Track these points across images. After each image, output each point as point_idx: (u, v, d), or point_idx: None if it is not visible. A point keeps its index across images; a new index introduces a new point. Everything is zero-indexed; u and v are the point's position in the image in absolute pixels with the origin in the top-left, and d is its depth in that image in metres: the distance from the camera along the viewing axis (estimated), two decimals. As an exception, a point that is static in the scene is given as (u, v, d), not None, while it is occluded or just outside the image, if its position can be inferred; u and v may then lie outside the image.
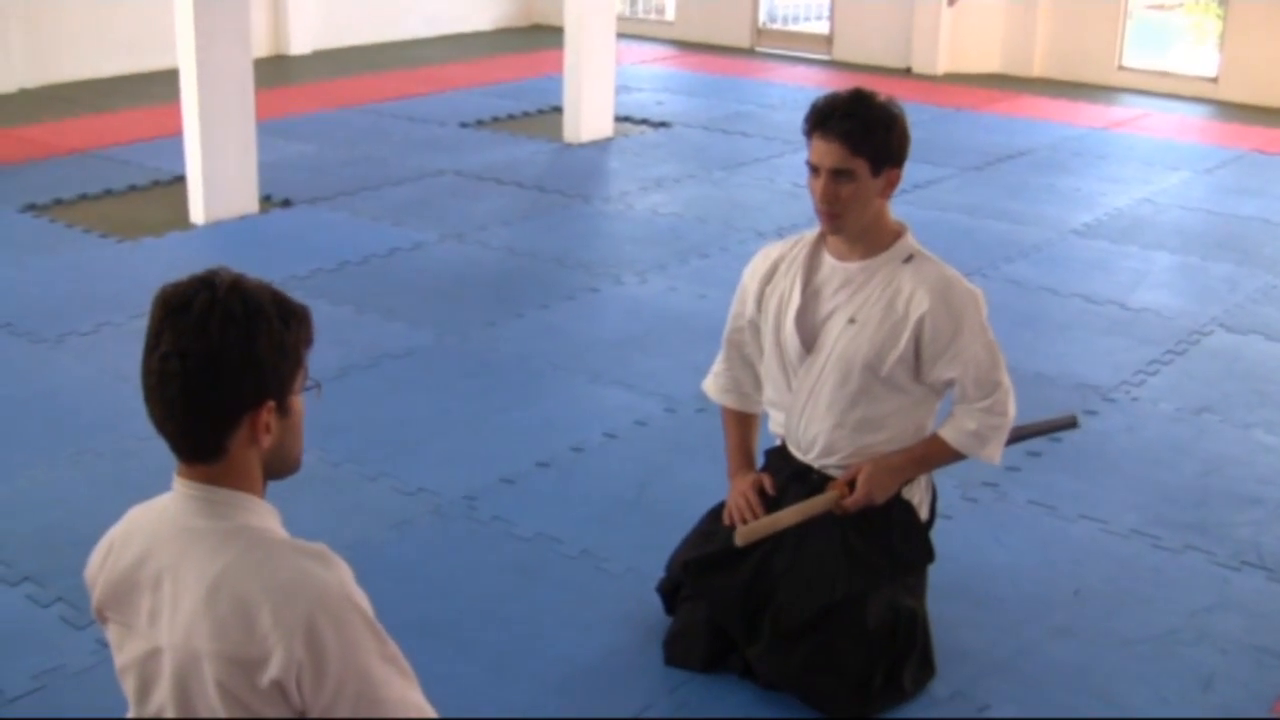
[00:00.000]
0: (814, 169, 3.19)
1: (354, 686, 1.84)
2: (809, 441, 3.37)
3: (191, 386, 1.86)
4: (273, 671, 1.80)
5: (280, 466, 2.02)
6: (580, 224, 7.75)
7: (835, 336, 3.25)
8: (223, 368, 1.86)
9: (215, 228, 7.39)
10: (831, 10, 13.20)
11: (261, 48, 11.59)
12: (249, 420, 1.90)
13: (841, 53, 13.04)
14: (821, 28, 13.48)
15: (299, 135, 9.47)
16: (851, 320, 3.22)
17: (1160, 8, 13.86)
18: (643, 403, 5.15)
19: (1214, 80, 11.76)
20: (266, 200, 7.85)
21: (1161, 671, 3.54)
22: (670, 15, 14.64)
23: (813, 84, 12.00)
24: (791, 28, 14.08)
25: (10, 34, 10.94)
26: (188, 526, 1.93)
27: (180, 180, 7.74)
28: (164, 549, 1.93)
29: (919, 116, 10.56)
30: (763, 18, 13.92)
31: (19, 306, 6.10)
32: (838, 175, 3.14)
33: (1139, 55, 12.32)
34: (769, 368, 3.42)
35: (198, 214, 7.50)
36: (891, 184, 3.21)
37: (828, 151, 3.14)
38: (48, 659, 3.50)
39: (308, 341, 1.98)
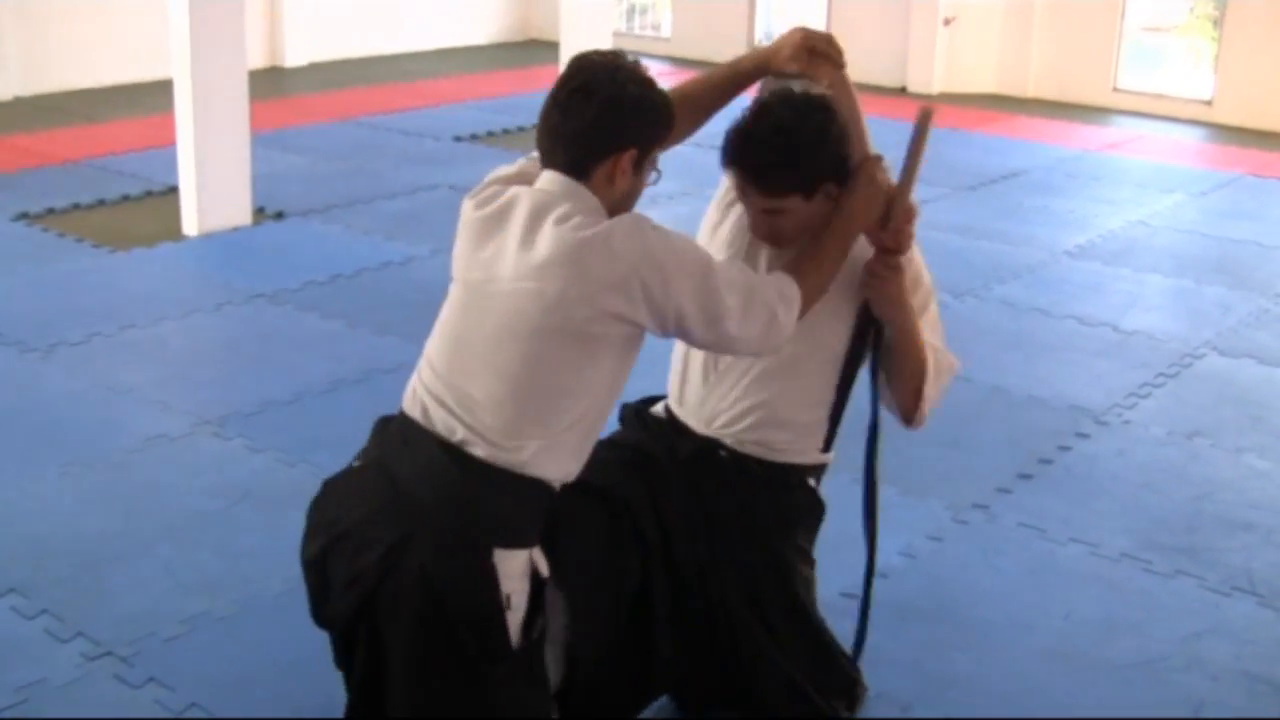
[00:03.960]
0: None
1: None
2: (736, 414, 2.95)
3: (588, 116, 2.48)
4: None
5: (618, 214, 2.50)
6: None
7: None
8: (616, 109, 2.48)
9: (208, 239, 7.37)
10: (827, 27, 13.18)
11: (257, 59, 11.57)
12: (614, 159, 2.50)
13: (837, 71, 13.00)
14: (817, 46, 13.45)
15: (293, 147, 9.47)
16: None
17: (1156, 30, 13.88)
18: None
19: (1209, 103, 11.78)
20: (260, 212, 7.83)
21: (1151, 698, 3.52)
22: (666, 31, 14.67)
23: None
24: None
25: (5, 42, 10.94)
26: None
27: (173, 191, 7.75)
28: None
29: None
30: (759, 35, 13.94)
31: (9, 316, 6.07)
32: (769, 214, 2.79)
33: (1134, 77, 12.34)
34: None
35: (190, 225, 7.48)
36: (833, 197, 2.76)
37: (749, 191, 2.78)
38: (31, 672, 3.47)
39: (663, 138, 2.58)
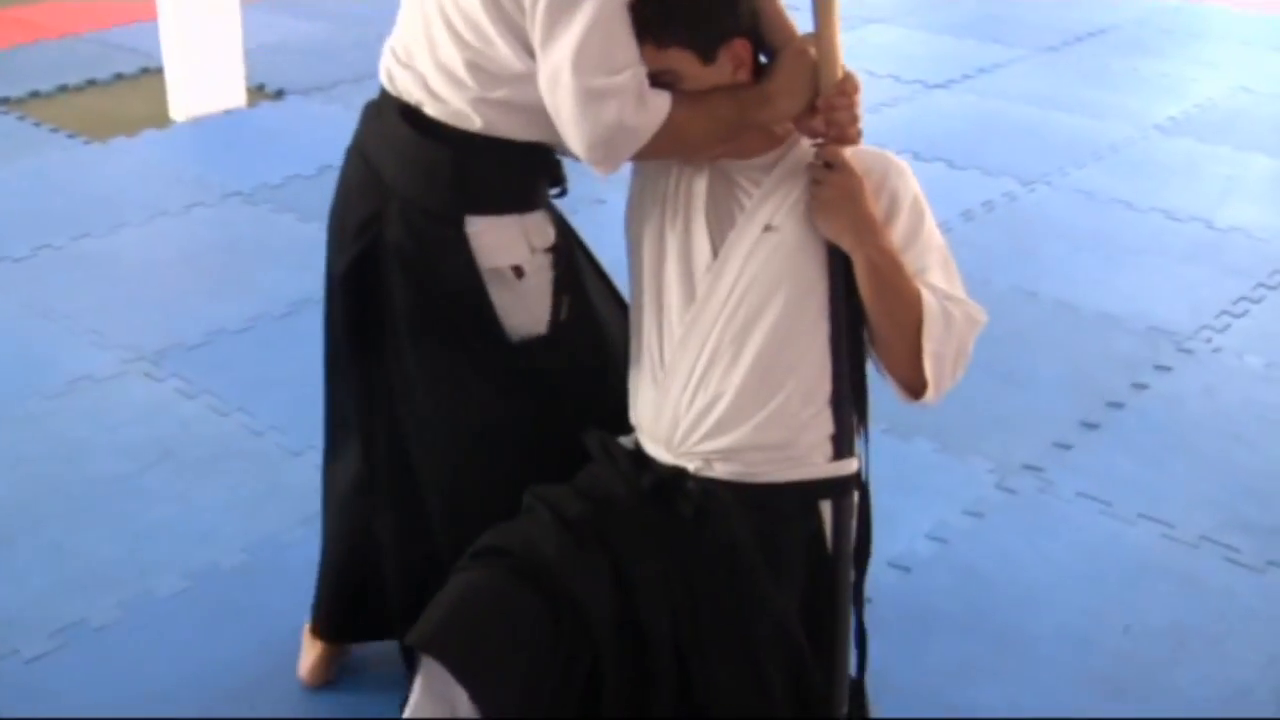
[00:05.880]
0: None
1: None
2: (693, 419, 2.21)
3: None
4: None
5: None
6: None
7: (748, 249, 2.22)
8: None
9: (195, 125, 6.65)
10: None
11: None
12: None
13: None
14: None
15: (303, 10, 8.60)
16: (769, 227, 2.20)
17: None
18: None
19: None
20: (259, 90, 7.10)
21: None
22: None
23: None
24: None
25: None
26: None
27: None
28: None
29: (994, -13, 9.65)
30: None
31: (-47, 225, 5.46)
32: (655, 80, 2.13)
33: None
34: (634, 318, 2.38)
35: (178, 109, 6.76)
36: (743, 60, 2.16)
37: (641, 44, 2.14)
38: None
39: None
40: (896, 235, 2.15)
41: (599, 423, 2.40)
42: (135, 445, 3.88)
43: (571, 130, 2.15)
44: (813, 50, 2.15)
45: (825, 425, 2.19)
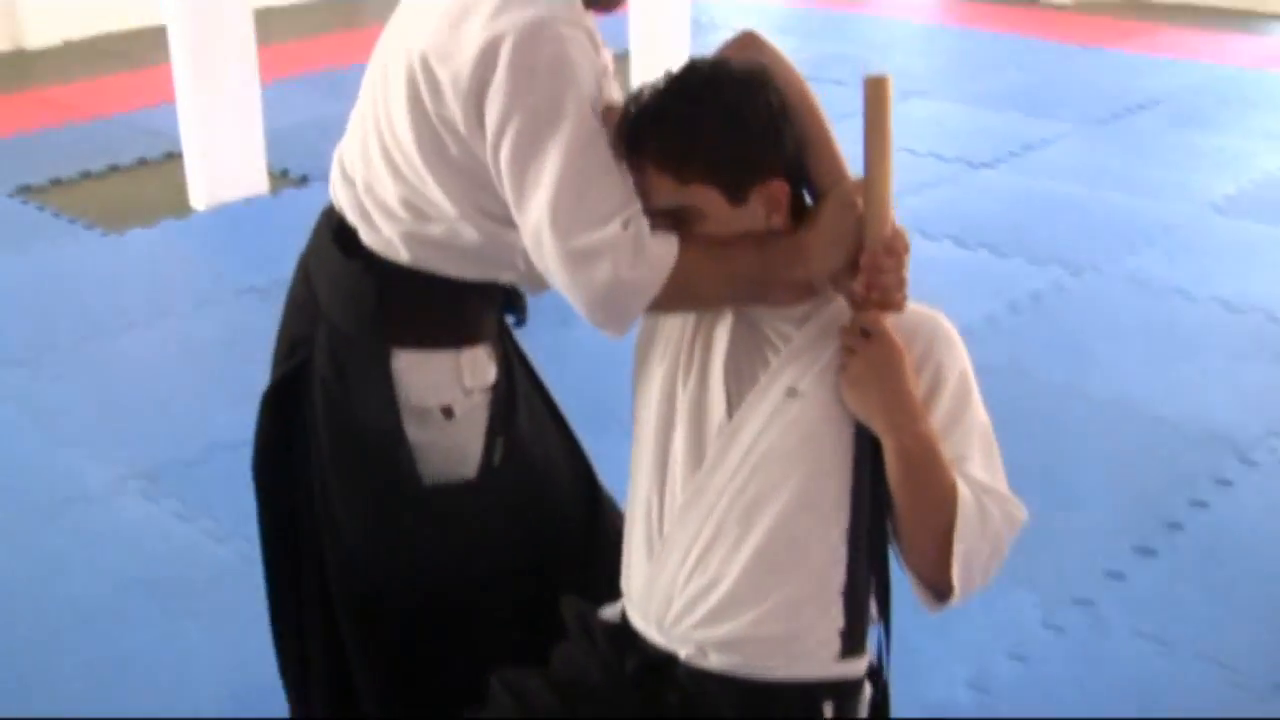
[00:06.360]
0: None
1: None
2: (688, 601, 1.95)
3: None
4: None
5: None
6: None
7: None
8: None
9: (215, 214, 6.48)
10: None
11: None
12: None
13: (961, -22, 11.76)
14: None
15: (327, 88, 8.40)
16: (793, 392, 1.92)
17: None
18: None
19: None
20: (282, 176, 6.94)
21: None
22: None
23: (927, 19, 10.80)
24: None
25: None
26: None
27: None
28: None
29: (1040, 57, 9.35)
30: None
31: (-42, 324, 5.29)
32: (674, 219, 1.90)
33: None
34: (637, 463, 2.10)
35: (198, 197, 6.60)
36: (778, 204, 1.90)
37: (648, 184, 1.90)
38: None
39: None
40: (937, 418, 1.87)
41: (538, 582, 2.21)
42: (118, 575, 3.65)
43: (568, 294, 1.94)
44: (860, 199, 1.89)
45: (836, 619, 1.90)
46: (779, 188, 1.88)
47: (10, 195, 6.80)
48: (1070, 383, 4.60)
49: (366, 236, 2.13)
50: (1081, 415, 4.38)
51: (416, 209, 2.07)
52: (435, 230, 2.07)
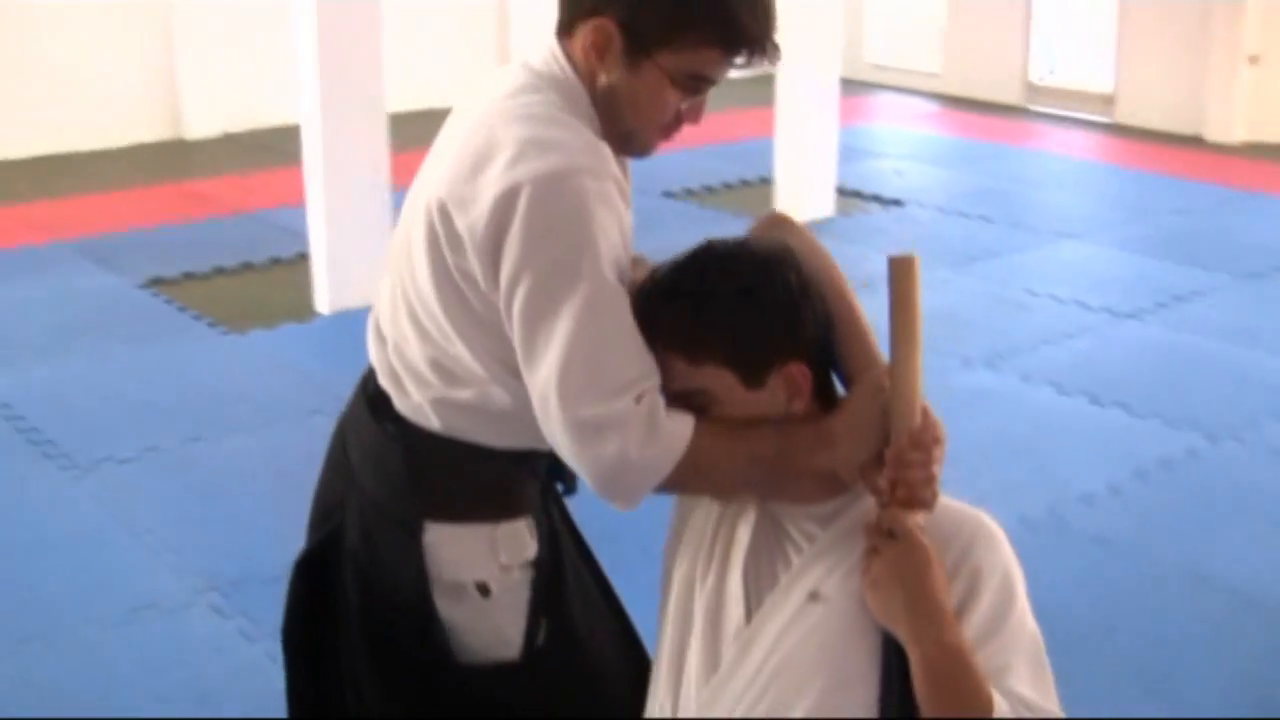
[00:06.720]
0: None
1: None
2: None
3: None
4: None
5: None
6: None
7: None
8: None
9: (338, 319, 6.48)
10: (1116, 64, 11.66)
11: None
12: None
13: (1125, 115, 11.41)
14: (1103, 84, 11.91)
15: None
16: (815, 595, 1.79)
17: None
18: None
19: None
20: (410, 283, 6.93)
21: None
22: (934, 65, 13.25)
23: (1086, 154, 10.54)
24: (1068, 85, 12.49)
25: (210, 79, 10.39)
26: None
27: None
28: None
29: (1200, 201, 9.02)
30: (1040, 70, 12.46)
31: (71, 417, 5.32)
32: (688, 401, 1.78)
33: None
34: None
35: (322, 300, 6.63)
36: (799, 389, 1.76)
37: (662, 366, 1.78)
38: None
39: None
40: (974, 624, 1.67)
41: None
42: (175, 694, 3.57)
43: (573, 464, 1.82)
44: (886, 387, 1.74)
45: None
46: (799, 371, 1.74)
47: (141, 286, 6.92)
48: (1192, 567, 4.25)
49: (398, 401, 2.03)
50: (1201, 605, 4.04)
51: (446, 371, 1.95)
52: (465, 395, 1.95)
